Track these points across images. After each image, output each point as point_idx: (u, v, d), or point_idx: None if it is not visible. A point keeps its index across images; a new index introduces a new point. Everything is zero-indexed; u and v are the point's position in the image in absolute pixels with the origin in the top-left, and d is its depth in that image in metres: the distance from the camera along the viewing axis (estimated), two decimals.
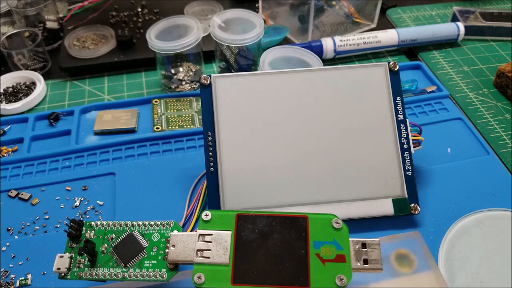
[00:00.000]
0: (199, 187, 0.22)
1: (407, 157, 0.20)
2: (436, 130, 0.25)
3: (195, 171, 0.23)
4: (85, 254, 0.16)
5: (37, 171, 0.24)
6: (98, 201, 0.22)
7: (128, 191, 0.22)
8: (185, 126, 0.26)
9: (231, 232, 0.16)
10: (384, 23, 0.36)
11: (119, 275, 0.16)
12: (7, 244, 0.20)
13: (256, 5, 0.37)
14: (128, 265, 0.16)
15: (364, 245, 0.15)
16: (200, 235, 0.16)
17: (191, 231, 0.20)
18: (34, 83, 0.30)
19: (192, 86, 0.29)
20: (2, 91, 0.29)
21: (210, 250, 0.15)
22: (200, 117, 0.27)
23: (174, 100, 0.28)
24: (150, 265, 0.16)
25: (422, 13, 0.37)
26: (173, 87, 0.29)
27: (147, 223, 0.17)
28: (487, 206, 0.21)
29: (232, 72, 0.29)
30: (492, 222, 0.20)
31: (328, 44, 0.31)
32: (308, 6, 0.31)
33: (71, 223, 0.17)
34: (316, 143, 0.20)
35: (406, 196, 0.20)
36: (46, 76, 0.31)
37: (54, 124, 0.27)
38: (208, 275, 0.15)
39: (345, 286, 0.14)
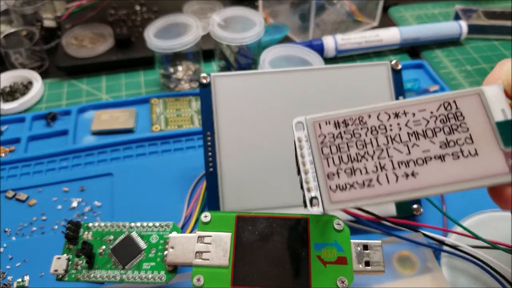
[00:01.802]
0: (198, 188, 0.22)
1: None
2: None
3: (194, 172, 0.23)
4: (83, 256, 0.16)
5: (35, 172, 0.24)
6: (96, 202, 0.22)
7: (127, 191, 0.22)
8: (184, 126, 0.26)
9: (230, 233, 0.15)
10: (386, 22, 0.35)
11: (117, 277, 0.16)
12: (5, 245, 0.20)
13: (256, 3, 0.36)
14: (126, 267, 0.16)
15: (365, 247, 0.15)
16: (199, 236, 0.15)
17: (190, 232, 0.20)
18: (31, 83, 0.30)
19: (191, 86, 0.29)
20: None
21: (209, 252, 0.15)
22: (200, 116, 0.26)
23: (173, 99, 0.28)
24: (149, 267, 0.16)
25: (424, 12, 0.37)
26: (172, 86, 0.29)
27: (145, 224, 0.17)
28: (489, 207, 0.21)
29: (232, 71, 0.29)
30: (494, 223, 0.20)
31: (329, 42, 0.31)
32: (309, 4, 0.31)
33: (68, 224, 0.17)
34: None
35: None
36: (44, 75, 0.31)
37: (51, 124, 0.27)
38: (207, 277, 0.15)
39: None
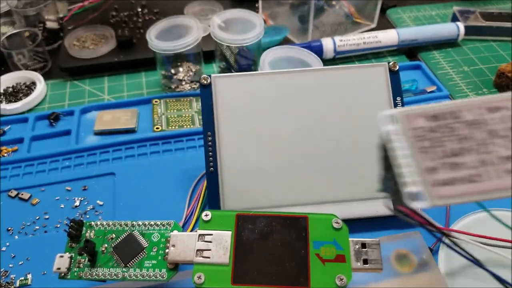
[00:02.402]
0: (199, 187, 0.22)
1: None
2: None
3: (195, 171, 0.23)
4: (85, 254, 0.16)
5: (37, 171, 0.24)
6: (98, 201, 0.22)
7: (128, 191, 0.22)
8: (185, 126, 0.26)
9: (231, 232, 0.16)
10: (384, 23, 0.36)
11: (119, 275, 0.16)
12: (7, 244, 0.20)
13: (256, 5, 0.37)
14: (128, 265, 0.16)
15: (364, 245, 0.15)
16: (200, 235, 0.16)
17: (191, 231, 0.20)
18: (34, 83, 0.30)
19: (192, 86, 0.29)
20: (2, 91, 0.29)
21: (210, 250, 0.15)
22: (200, 117, 0.27)
23: (174, 100, 0.28)
24: (150, 265, 0.16)
25: (422, 13, 0.37)
26: (173, 87, 0.29)
27: (147, 223, 0.17)
28: (487, 206, 0.21)
29: (232, 72, 0.29)
30: (492, 222, 0.20)
31: (328, 44, 0.31)
32: (308, 6, 0.31)
33: (71, 223, 0.17)
34: (316, 143, 0.20)
35: None
36: (46, 76, 0.31)
37: (54, 124, 0.27)
38: (208, 275, 0.15)
39: (345, 286, 0.14)
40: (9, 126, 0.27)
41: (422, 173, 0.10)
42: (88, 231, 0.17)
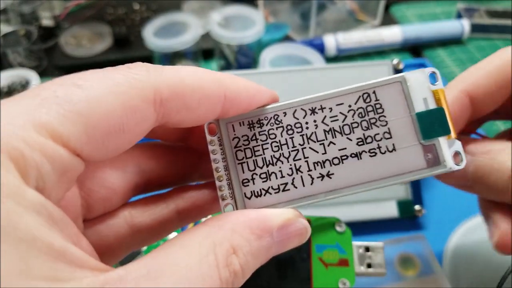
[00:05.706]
0: None
1: None
2: None
3: None
4: None
5: None
6: None
7: None
8: None
9: None
10: (388, 21, 0.35)
11: None
12: None
13: (256, 2, 0.36)
14: None
15: (367, 249, 0.15)
16: None
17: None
18: (29, 82, 0.29)
19: None
20: None
21: None
22: None
23: None
24: None
25: (426, 11, 0.37)
26: None
27: None
28: None
29: (232, 70, 0.28)
30: None
31: (330, 41, 0.30)
32: (309, 3, 0.30)
33: None
34: None
35: (411, 198, 0.19)
36: (42, 75, 0.31)
37: None
38: None
39: None
40: None
41: (237, 186, 0.10)
42: None
